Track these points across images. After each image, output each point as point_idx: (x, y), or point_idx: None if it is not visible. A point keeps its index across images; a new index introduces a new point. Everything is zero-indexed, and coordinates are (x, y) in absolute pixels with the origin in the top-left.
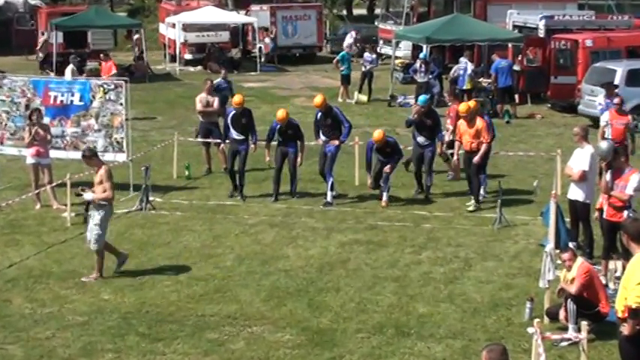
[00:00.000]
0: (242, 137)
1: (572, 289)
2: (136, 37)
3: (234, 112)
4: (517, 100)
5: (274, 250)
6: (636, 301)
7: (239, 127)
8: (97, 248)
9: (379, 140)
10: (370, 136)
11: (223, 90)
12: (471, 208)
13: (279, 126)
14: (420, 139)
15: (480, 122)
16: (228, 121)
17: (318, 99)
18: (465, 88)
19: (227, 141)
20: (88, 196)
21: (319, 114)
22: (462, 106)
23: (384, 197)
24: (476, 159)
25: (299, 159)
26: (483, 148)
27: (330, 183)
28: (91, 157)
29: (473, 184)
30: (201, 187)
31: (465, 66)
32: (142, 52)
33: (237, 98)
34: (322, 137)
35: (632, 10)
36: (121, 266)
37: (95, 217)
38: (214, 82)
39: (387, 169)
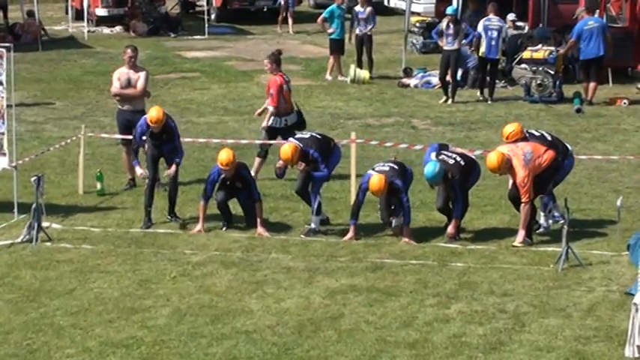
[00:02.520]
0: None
1: None
2: None
3: (150, 130)
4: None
5: (230, 302)
6: None
7: (158, 141)
8: None
9: (377, 192)
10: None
11: None
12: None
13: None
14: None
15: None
16: (142, 134)
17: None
18: (496, 57)
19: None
20: None
21: None
22: (490, 160)
23: (395, 222)
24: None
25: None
26: (524, 212)
27: (316, 204)
28: None
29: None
30: (122, 207)
31: (498, 24)
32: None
33: (154, 113)
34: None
35: None
36: None
37: None
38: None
39: (395, 222)
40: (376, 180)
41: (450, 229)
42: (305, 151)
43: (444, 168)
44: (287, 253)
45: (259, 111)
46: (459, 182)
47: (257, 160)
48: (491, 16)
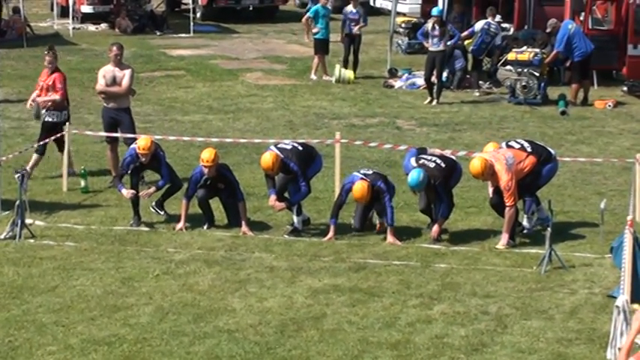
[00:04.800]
0: None
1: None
2: None
3: (138, 159)
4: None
5: (213, 301)
6: None
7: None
8: None
9: (360, 199)
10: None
11: None
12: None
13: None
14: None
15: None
16: (129, 164)
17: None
18: (480, 57)
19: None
20: None
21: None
22: (473, 166)
23: (379, 220)
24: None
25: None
26: (508, 216)
27: (296, 205)
28: None
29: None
30: (105, 204)
31: (495, 32)
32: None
33: (142, 143)
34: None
35: None
36: None
37: None
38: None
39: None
40: (359, 187)
41: (435, 228)
42: (285, 163)
43: (427, 175)
44: (270, 253)
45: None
46: (442, 185)
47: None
48: (490, 20)
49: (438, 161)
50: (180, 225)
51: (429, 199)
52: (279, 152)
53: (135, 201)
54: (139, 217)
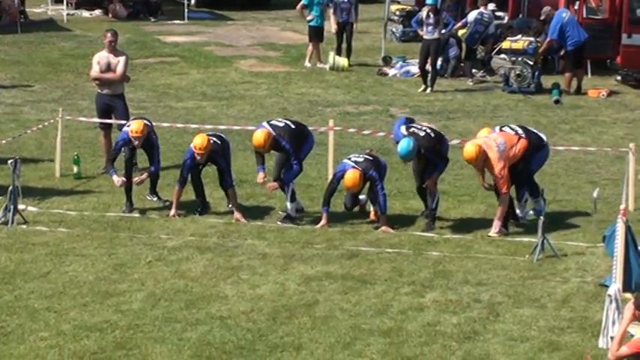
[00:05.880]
0: None
1: (625, 348)
2: None
3: (131, 143)
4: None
5: (205, 288)
6: None
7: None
8: None
9: (352, 188)
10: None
11: None
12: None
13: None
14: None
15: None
16: (122, 147)
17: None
18: (473, 47)
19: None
20: None
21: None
22: (467, 151)
23: (372, 207)
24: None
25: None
26: (501, 203)
27: (290, 191)
28: None
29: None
30: (98, 191)
31: (489, 22)
32: None
33: (135, 126)
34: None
35: None
36: None
37: None
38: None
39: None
40: (351, 176)
41: (429, 182)
42: (277, 140)
43: (417, 144)
44: (263, 240)
45: None
46: (431, 153)
47: None
48: (483, 10)
49: (428, 131)
50: (173, 212)
51: (422, 177)
52: (271, 129)
53: (127, 187)
54: (132, 203)
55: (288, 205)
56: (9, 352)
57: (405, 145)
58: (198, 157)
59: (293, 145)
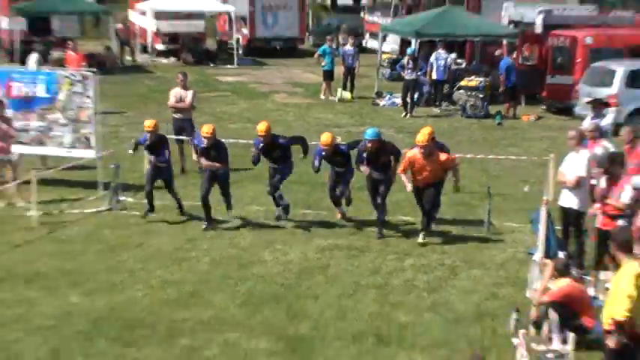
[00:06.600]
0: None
1: (545, 297)
2: (118, 25)
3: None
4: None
5: (251, 255)
6: (622, 314)
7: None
8: None
9: (327, 144)
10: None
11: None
12: (420, 240)
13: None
14: (375, 174)
15: (442, 156)
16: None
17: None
18: (443, 79)
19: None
20: None
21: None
22: (420, 135)
23: (340, 209)
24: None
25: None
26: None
27: (276, 197)
28: None
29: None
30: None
31: (445, 56)
32: (123, 44)
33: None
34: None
35: (638, 5)
36: None
37: None
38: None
39: (339, 190)
40: (326, 134)
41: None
42: (276, 136)
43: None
44: (290, 221)
45: None
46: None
47: None
48: (440, 51)
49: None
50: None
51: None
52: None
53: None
54: (152, 206)
55: (276, 209)
56: (114, 298)
57: (372, 131)
58: (205, 141)
59: (290, 142)
